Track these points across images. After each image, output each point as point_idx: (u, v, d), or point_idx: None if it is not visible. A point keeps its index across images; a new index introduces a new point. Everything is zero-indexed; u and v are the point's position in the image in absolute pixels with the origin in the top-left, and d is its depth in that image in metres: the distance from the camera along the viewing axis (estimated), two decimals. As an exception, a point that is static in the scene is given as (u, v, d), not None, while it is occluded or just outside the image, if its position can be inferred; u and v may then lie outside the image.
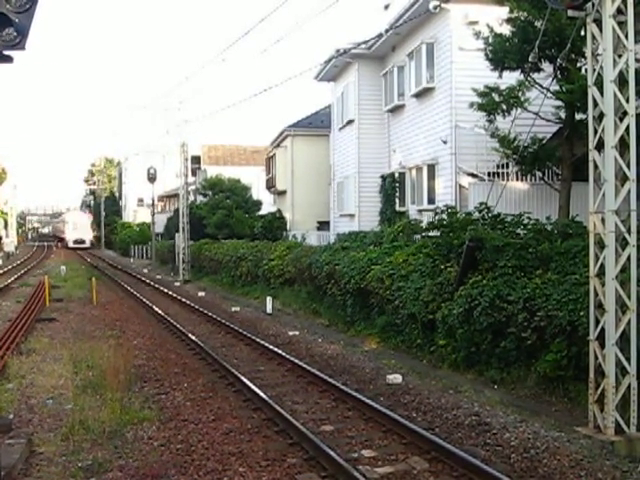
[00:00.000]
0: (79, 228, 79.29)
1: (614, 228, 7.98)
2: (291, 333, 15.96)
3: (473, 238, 12.22)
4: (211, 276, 31.87)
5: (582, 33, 10.33)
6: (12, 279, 30.28)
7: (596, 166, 8.32)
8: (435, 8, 19.11)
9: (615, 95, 8.01)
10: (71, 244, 76.73)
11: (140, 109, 45.78)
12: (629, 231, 8.01)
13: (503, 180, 17.29)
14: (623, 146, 8.09)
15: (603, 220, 8.13)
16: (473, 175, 18.89)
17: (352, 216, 26.33)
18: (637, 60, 8.52)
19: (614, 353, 7.88)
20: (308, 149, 34.05)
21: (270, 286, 23.28)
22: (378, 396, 9.97)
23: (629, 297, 7.94)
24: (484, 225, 13.30)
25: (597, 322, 8.15)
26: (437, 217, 14.42)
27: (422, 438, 7.78)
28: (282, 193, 36.78)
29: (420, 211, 21.30)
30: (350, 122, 26.39)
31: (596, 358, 8.14)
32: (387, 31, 21.72)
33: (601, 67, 8.14)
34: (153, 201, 45.76)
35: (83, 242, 77.78)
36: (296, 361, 12.16)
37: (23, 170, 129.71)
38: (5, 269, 37.33)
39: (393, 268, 14.66)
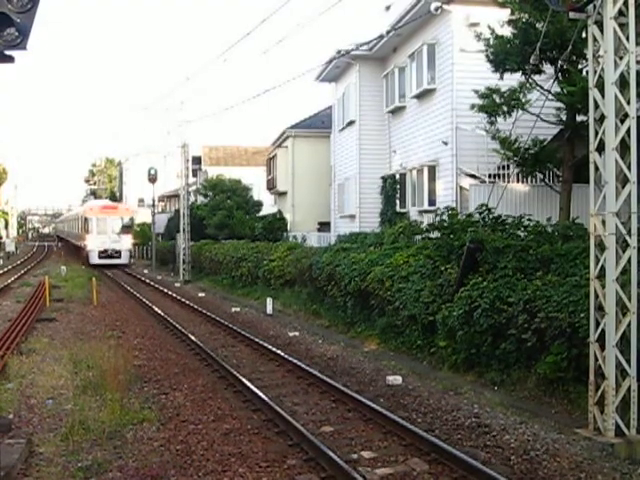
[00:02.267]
0: (111, 231, 42.86)
1: (615, 230, 7.98)
2: (291, 334, 15.96)
3: (473, 240, 12.22)
4: (211, 277, 31.87)
5: (583, 35, 10.34)
6: (12, 279, 30.27)
7: (597, 168, 8.32)
8: (436, 9, 19.15)
9: (616, 97, 8.01)
10: (96, 259, 42.08)
11: (141, 109, 45.84)
12: (629, 233, 8.00)
13: (504, 182, 17.30)
14: (624, 148, 8.09)
15: (604, 222, 8.12)
16: (474, 176, 18.90)
17: (353, 217, 26.35)
18: (638, 62, 8.51)
19: (614, 355, 7.88)
20: (309, 150, 34.07)
21: (270, 287, 23.28)
22: (378, 397, 9.97)
23: (629, 299, 7.94)
24: (485, 227, 13.30)
25: (597, 324, 8.15)
26: (438, 218, 14.42)
27: (422, 439, 7.78)
28: (283, 194, 36.80)
29: (421, 212, 21.30)
30: (351, 123, 26.41)
31: (596, 360, 8.14)
32: (388, 32, 21.74)
33: (602, 69, 8.14)
34: (154, 201, 45.73)
35: (117, 255, 42.73)
36: (296, 362, 12.16)
37: (24, 170, 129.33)
38: (5, 269, 37.32)
39: (393, 269, 14.66)
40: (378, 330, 14.80)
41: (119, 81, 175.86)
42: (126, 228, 43.56)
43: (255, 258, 25.52)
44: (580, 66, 14.24)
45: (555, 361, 9.48)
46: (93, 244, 42.12)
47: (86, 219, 43.61)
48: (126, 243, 43.22)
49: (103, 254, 42.00)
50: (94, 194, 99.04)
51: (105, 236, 42.21)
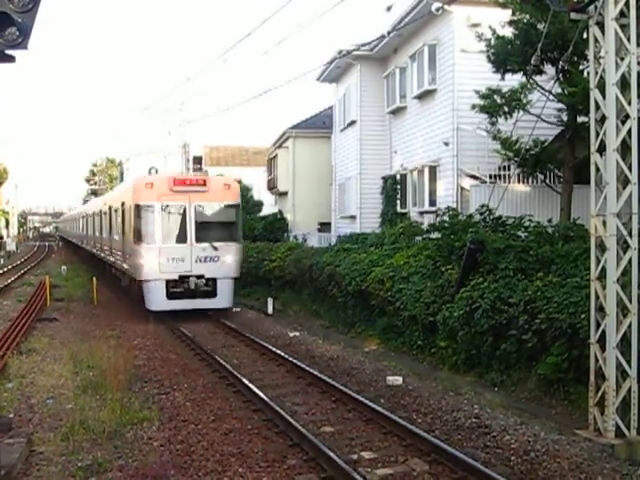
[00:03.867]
0: (194, 236, 18.35)
1: (615, 231, 7.98)
2: (292, 334, 15.96)
3: (474, 240, 12.22)
4: (212, 277, 31.78)
5: (584, 36, 10.33)
6: (13, 278, 30.28)
7: (598, 169, 8.32)
8: (437, 10, 19.12)
9: (617, 98, 8.01)
10: (162, 300, 17.93)
11: (142, 110, 45.73)
12: (630, 234, 8.01)
13: (504, 182, 17.28)
14: (625, 149, 8.09)
15: (604, 223, 8.13)
16: (474, 177, 18.88)
17: (353, 217, 26.33)
18: (639, 63, 8.51)
19: (615, 356, 7.89)
20: (310, 150, 34.04)
21: (271, 287, 23.28)
22: (378, 398, 9.97)
23: (630, 300, 7.94)
24: (485, 227, 13.30)
25: (598, 325, 8.16)
26: (438, 219, 14.42)
27: (422, 440, 7.79)
28: (283, 194, 36.78)
29: (421, 213, 21.29)
30: (352, 123, 26.40)
31: (597, 361, 8.14)
32: (389, 33, 21.71)
33: (603, 70, 8.14)
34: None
35: (208, 290, 18.38)
36: (296, 362, 12.16)
37: (24, 170, 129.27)
38: (6, 268, 37.31)
39: (394, 270, 14.66)
40: (378, 330, 14.80)
41: (120, 81, 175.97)
42: (228, 227, 19.54)
43: (255, 258, 25.52)
44: (581, 67, 14.22)
45: (555, 362, 9.49)
46: (155, 266, 18.11)
47: (138, 210, 18.61)
48: (228, 261, 18.88)
49: (178, 288, 18.29)
50: (95, 194, 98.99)
51: (184, 247, 18.39)
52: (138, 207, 18.37)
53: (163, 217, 18.28)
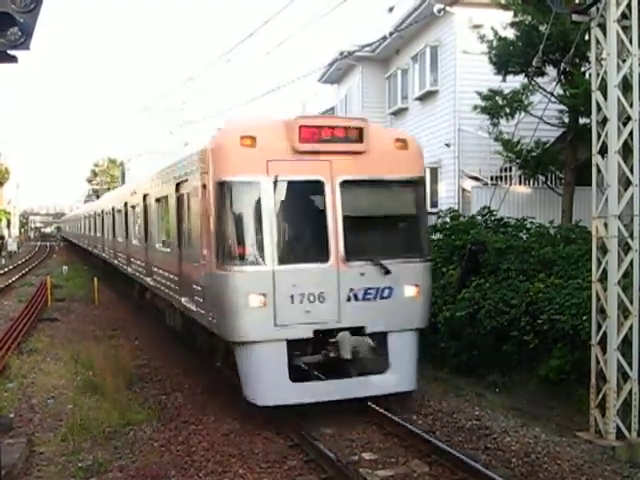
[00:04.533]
0: (343, 242, 8.46)
1: (617, 233, 7.98)
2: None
3: (476, 241, 12.21)
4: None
5: (586, 37, 10.33)
6: (14, 278, 30.29)
7: (599, 171, 8.32)
8: (439, 11, 19.10)
9: (619, 100, 8.01)
10: (280, 391, 8.14)
11: (143, 110, 45.64)
12: (632, 236, 8.00)
13: (506, 184, 17.27)
14: (626, 151, 8.09)
15: (606, 225, 8.12)
16: (476, 179, 18.87)
17: (354, 218, 26.28)
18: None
19: (616, 358, 7.88)
20: (311, 151, 33.93)
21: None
22: (378, 399, 9.93)
23: (631, 302, 7.93)
24: (487, 228, 13.29)
25: (599, 327, 8.15)
26: (440, 220, 14.40)
27: (423, 441, 7.77)
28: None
29: (423, 214, 21.25)
30: (353, 124, 26.37)
31: (598, 363, 8.13)
32: (391, 34, 21.71)
33: (605, 72, 8.14)
34: (156, 201, 45.28)
35: (374, 360, 8.69)
36: (297, 363, 12.06)
37: (26, 170, 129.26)
38: (7, 268, 37.31)
39: (395, 271, 14.60)
40: (379, 331, 14.74)
41: (120, 81, 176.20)
42: (406, 227, 9.70)
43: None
44: (583, 69, 14.23)
45: (557, 363, 9.51)
46: (264, 313, 8.18)
47: (221, 193, 8.48)
48: (411, 295, 9.00)
49: (312, 356, 8.59)
50: (96, 194, 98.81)
51: (323, 272, 8.50)
52: (223, 188, 8.59)
53: (279, 208, 8.70)
